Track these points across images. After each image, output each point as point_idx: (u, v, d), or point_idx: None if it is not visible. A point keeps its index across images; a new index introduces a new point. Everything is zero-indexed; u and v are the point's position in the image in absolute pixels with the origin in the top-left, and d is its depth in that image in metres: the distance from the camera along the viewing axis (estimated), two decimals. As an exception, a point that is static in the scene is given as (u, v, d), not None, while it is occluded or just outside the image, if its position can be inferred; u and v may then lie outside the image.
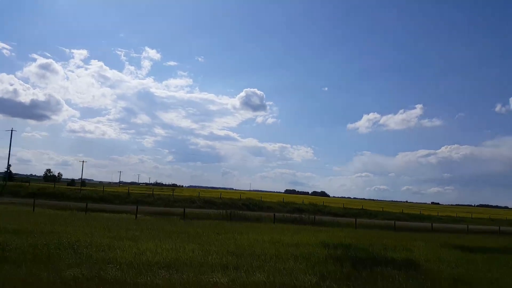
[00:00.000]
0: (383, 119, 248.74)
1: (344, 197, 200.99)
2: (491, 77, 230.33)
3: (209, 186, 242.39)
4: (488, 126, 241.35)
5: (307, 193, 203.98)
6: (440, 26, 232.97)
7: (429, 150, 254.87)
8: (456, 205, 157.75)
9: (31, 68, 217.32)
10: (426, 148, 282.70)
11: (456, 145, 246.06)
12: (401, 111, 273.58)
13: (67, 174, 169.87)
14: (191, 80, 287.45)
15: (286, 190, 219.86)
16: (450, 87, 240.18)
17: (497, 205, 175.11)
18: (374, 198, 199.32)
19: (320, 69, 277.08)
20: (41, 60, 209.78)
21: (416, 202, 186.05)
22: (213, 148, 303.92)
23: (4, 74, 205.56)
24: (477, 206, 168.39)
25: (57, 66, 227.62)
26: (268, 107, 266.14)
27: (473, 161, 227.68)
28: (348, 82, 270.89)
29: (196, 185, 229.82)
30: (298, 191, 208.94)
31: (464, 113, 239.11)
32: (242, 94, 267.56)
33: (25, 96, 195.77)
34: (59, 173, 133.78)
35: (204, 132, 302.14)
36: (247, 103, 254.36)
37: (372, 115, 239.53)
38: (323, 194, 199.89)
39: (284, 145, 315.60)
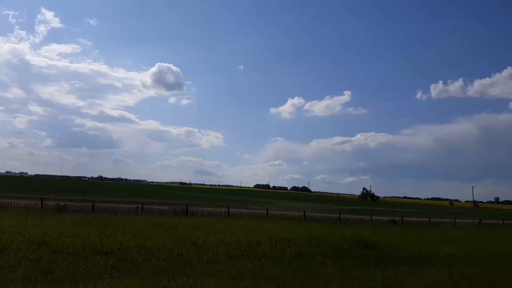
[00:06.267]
0: (308, 105, 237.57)
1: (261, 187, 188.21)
2: (414, 62, 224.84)
3: (95, 176, 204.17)
4: (407, 114, 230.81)
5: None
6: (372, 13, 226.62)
7: (344, 137, 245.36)
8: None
9: None
10: (342, 135, 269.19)
11: (372, 133, 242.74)
12: (328, 97, 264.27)
13: None
14: (79, 47, 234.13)
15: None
16: (378, 74, 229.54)
17: (416, 197, 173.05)
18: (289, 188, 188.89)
19: (237, 46, 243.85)
20: None
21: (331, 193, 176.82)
22: (103, 131, 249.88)
23: None
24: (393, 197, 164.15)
25: None
26: (185, 87, 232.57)
27: (390, 150, 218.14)
28: (268, 61, 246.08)
29: (81, 175, 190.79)
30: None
31: (390, 102, 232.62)
32: (154, 69, 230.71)
33: None
34: None
35: (92, 112, 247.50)
36: (159, 80, 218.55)
37: (296, 100, 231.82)
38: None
39: (191, 129, 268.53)
